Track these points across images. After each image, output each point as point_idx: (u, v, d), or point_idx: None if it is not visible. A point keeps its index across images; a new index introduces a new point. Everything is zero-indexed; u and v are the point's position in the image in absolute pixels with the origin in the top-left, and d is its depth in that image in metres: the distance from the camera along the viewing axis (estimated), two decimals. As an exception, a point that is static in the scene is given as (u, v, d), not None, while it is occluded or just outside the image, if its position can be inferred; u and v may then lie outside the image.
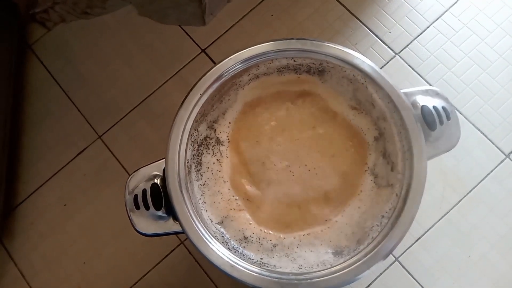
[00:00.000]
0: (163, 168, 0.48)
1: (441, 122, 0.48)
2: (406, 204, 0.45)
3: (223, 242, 0.47)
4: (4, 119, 0.75)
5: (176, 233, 0.49)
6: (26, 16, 0.81)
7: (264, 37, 0.80)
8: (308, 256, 0.48)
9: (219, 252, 0.45)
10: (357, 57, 0.50)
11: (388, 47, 0.78)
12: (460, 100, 0.75)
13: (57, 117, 0.79)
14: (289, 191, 0.51)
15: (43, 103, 0.80)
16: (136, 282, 0.71)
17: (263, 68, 0.52)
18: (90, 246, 0.73)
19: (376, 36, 0.79)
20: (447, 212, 0.70)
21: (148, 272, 0.71)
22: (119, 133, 0.78)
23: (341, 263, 0.45)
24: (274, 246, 0.49)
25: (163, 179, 0.48)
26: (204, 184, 0.51)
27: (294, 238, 0.49)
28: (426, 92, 0.50)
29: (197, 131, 0.51)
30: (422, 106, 0.49)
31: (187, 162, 0.49)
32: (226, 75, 0.50)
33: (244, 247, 0.48)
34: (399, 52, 0.78)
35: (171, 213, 0.48)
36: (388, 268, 0.69)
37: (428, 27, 0.79)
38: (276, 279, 0.44)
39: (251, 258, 0.47)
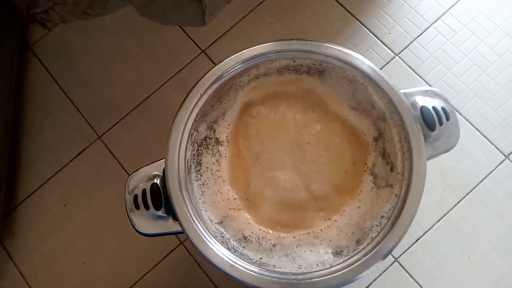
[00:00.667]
0: (163, 168, 0.49)
1: (441, 123, 0.48)
2: (405, 205, 0.46)
3: (222, 242, 0.47)
4: (5, 119, 0.75)
5: (175, 233, 0.49)
6: (26, 16, 0.81)
7: (264, 38, 0.80)
8: (308, 256, 0.48)
9: (219, 252, 0.45)
10: (356, 58, 0.50)
11: (388, 48, 0.78)
12: (460, 101, 0.75)
13: (57, 117, 0.80)
14: (289, 191, 0.51)
15: (44, 103, 0.81)
16: (136, 282, 0.71)
17: (263, 68, 0.52)
18: (90, 246, 0.73)
19: (376, 37, 0.79)
20: (447, 213, 0.70)
21: (148, 272, 0.71)
22: (119, 133, 0.78)
23: (341, 263, 0.45)
24: (274, 245, 0.49)
25: (163, 179, 0.48)
26: (203, 184, 0.51)
27: (294, 237, 0.49)
28: (425, 93, 0.50)
29: (197, 131, 0.51)
30: (422, 106, 0.49)
31: (187, 162, 0.49)
32: (226, 76, 0.51)
33: (243, 247, 0.48)
34: (399, 53, 0.78)
35: (171, 213, 0.48)
36: (387, 268, 0.69)
37: (427, 28, 0.79)
38: (276, 279, 0.44)
39: (251, 258, 0.47)
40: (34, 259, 0.73)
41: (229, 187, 0.51)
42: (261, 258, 0.48)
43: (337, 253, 0.47)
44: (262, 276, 0.44)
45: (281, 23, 0.81)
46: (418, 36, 0.79)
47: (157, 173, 0.50)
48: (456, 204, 0.71)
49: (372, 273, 0.69)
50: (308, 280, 0.44)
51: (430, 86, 0.76)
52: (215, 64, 0.51)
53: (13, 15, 0.81)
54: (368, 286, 0.68)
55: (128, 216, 0.49)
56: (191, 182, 0.49)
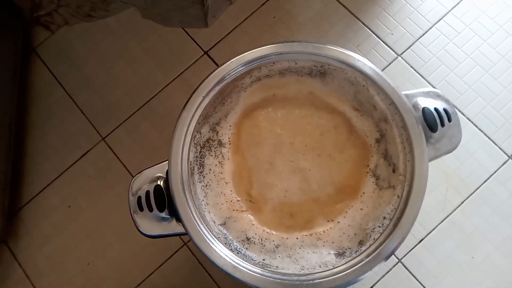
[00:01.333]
0: (166, 170, 0.49)
1: (443, 124, 0.48)
2: (407, 206, 0.46)
3: (225, 243, 0.47)
4: (9, 121, 0.75)
5: (179, 235, 0.49)
6: (30, 19, 0.81)
7: (266, 39, 0.81)
8: (311, 257, 0.48)
9: (222, 253, 0.45)
10: (358, 60, 0.50)
11: (390, 48, 0.78)
12: (463, 101, 0.75)
13: (61, 119, 0.80)
14: (291, 192, 0.52)
15: (47, 105, 0.81)
16: (140, 283, 0.71)
17: (265, 70, 0.52)
18: (94, 247, 0.74)
19: (378, 37, 0.79)
20: (450, 214, 0.70)
21: (152, 273, 0.72)
22: (123, 135, 0.78)
23: (343, 264, 0.45)
24: (277, 247, 0.49)
25: (166, 181, 0.48)
26: (206, 186, 0.51)
27: (297, 238, 0.50)
28: (427, 94, 0.50)
29: (200, 133, 0.51)
30: (424, 108, 0.49)
31: (190, 164, 0.49)
32: (228, 78, 0.51)
33: (246, 248, 0.49)
34: (401, 54, 0.78)
35: (174, 214, 0.48)
36: (391, 269, 0.69)
37: (430, 29, 0.79)
38: (279, 280, 0.44)
39: (254, 259, 0.48)
40: (39, 260, 0.74)
41: (232, 189, 0.52)
42: (264, 259, 0.48)
43: (340, 254, 0.47)
44: (265, 277, 0.44)
45: (283, 24, 0.81)
46: (421, 37, 0.78)
47: (161, 175, 0.50)
48: (460, 205, 0.71)
49: (376, 274, 0.69)
50: (311, 281, 0.44)
51: (433, 86, 0.76)
52: (218, 66, 0.51)
53: (17, 18, 0.81)
54: (371, 286, 0.68)
55: (132, 218, 0.49)
56: (194, 183, 0.50)
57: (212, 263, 0.45)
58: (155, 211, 0.48)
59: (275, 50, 0.51)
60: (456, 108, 0.74)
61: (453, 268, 0.68)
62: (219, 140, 0.53)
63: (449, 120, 0.49)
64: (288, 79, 0.54)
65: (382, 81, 0.49)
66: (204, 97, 0.50)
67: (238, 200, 0.51)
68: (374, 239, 0.46)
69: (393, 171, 0.49)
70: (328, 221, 0.50)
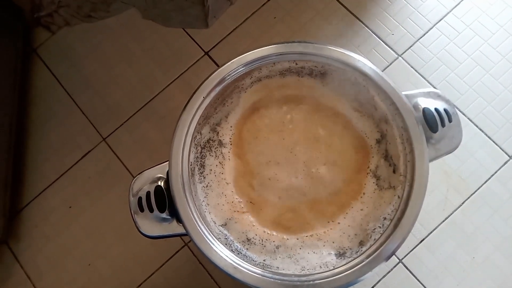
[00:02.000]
0: (166, 170, 0.49)
1: (443, 124, 0.48)
2: (408, 206, 0.46)
3: (226, 244, 0.47)
4: (9, 122, 0.75)
5: (179, 235, 0.49)
6: (30, 20, 0.81)
7: (267, 40, 0.81)
8: (311, 257, 0.48)
9: (222, 253, 0.45)
10: (358, 60, 0.50)
11: (391, 48, 0.78)
12: (463, 102, 0.75)
13: (61, 120, 0.80)
14: (292, 193, 0.52)
15: (48, 106, 0.81)
16: (141, 284, 0.71)
17: (265, 71, 0.52)
18: (95, 248, 0.74)
19: (379, 38, 0.79)
20: (451, 214, 0.70)
21: (153, 274, 0.72)
22: (123, 136, 0.78)
23: (344, 264, 0.45)
24: (277, 247, 0.49)
25: (167, 181, 0.49)
26: (207, 186, 0.51)
27: (297, 239, 0.50)
28: (427, 94, 0.50)
29: (200, 134, 0.51)
30: (424, 108, 0.49)
31: (191, 165, 0.49)
32: (228, 78, 0.51)
33: (247, 248, 0.49)
34: (402, 54, 0.78)
35: (175, 215, 0.48)
36: (392, 269, 0.69)
37: (430, 29, 0.79)
38: (279, 281, 0.44)
39: (254, 259, 0.48)
40: (40, 260, 0.74)
41: (233, 190, 0.52)
42: (264, 260, 0.48)
43: (340, 254, 0.47)
44: (265, 277, 0.44)
45: (284, 25, 0.81)
46: (421, 37, 0.78)
47: (161, 175, 0.50)
48: (460, 205, 0.70)
49: (376, 274, 0.69)
50: (311, 282, 0.44)
51: (434, 87, 0.76)
52: (218, 67, 0.51)
53: (18, 18, 0.81)
54: (372, 287, 0.68)
55: (132, 218, 0.49)
56: (194, 184, 0.50)
57: (212, 264, 0.45)
58: (156, 211, 0.48)
59: (275, 51, 0.51)
60: (457, 108, 0.74)
61: (454, 268, 0.68)
62: (220, 140, 0.53)
63: (450, 120, 0.49)
64: (288, 79, 0.54)
65: (383, 81, 0.49)
66: (204, 98, 0.50)
67: (239, 201, 0.51)
68: (374, 239, 0.46)
69: (394, 171, 0.49)
70: (328, 221, 0.50)
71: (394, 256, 0.64)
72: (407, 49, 0.78)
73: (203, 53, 0.81)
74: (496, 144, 0.72)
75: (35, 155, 0.79)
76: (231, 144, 0.53)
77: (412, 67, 0.77)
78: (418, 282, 0.68)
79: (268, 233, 0.50)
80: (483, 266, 0.68)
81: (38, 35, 0.85)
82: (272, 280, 0.44)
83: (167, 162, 0.49)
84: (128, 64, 0.82)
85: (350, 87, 0.52)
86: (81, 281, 0.72)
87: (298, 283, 0.44)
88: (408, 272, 0.68)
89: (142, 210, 0.49)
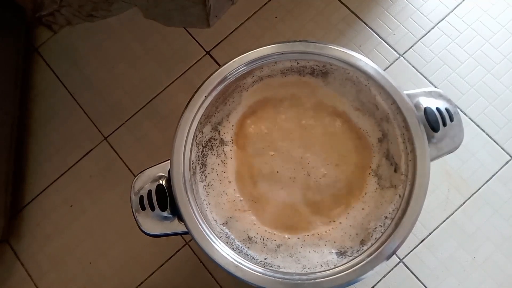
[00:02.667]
0: (168, 169, 0.49)
1: (444, 124, 0.48)
2: (409, 205, 0.46)
3: (227, 243, 0.47)
4: (11, 121, 0.76)
5: (181, 234, 0.49)
6: (32, 19, 0.82)
7: (268, 39, 0.81)
8: (312, 256, 0.48)
9: (224, 252, 0.45)
10: (360, 59, 0.50)
11: (392, 48, 0.78)
12: (465, 101, 0.75)
13: (63, 119, 0.80)
14: (294, 192, 0.52)
15: (50, 105, 0.81)
16: (142, 283, 0.72)
17: (267, 70, 0.52)
18: (96, 247, 0.74)
19: (380, 37, 0.79)
20: (452, 214, 0.70)
21: (154, 272, 0.72)
22: (125, 135, 0.78)
23: (345, 263, 0.45)
24: (278, 246, 0.49)
25: (168, 180, 0.49)
26: (208, 185, 0.51)
27: (298, 238, 0.50)
28: (429, 94, 0.50)
29: (202, 132, 0.51)
30: (425, 107, 0.49)
31: (192, 164, 0.49)
32: (230, 78, 0.51)
33: (248, 247, 0.49)
34: (403, 54, 0.78)
35: (176, 213, 0.48)
36: (392, 269, 0.69)
37: (432, 29, 0.79)
38: (280, 279, 0.44)
39: (255, 258, 0.48)
40: (41, 259, 0.74)
41: (235, 188, 0.52)
42: (265, 259, 0.48)
43: (341, 253, 0.48)
44: (266, 276, 0.45)
45: (285, 24, 0.81)
46: (423, 37, 0.78)
47: (163, 174, 0.50)
48: (461, 205, 0.70)
49: (377, 273, 0.69)
50: (312, 281, 0.44)
51: (435, 86, 0.76)
52: (220, 66, 0.51)
53: (19, 18, 0.81)
54: (373, 286, 0.68)
55: (134, 217, 0.49)
56: (196, 183, 0.50)
57: (213, 262, 0.45)
58: (157, 210, 0.48)
59: (277, 50, 0.51)
60: (458, 108, 0.74)
61: (455, 268, 0.68)
62: (221, 139, 0.53)
63: (451, 119, 0.49)
64: (290, 78, 0.54)
65: (384, 80, 0.49)
66: (206, 97, 0.50)
67: (240, 200, 0.51)
68: (375, 238, 0.46)
69: (395, 170, 0.49)
70: (330, 221, 0.50)
71: (395, 255, 0.65)
72: (408, 49, 0.78)
73: (205, 53, 0.81)
74: (498, 144, 0.72)
75: (36, 153, 0.79)
76: (232, 143, 0.53)
77: (413, 66, 0.77)
78: (418, 281, 0.68)
79: (269, 232, 0.50)
80: (484, 266, 0.68)
81: (40, 34, 0.85)
82: (273, 278, 0.44)
83: (169, 160, 0.49)
84: (129, 63, 0.82)
85: (352, 86, 0.52)
86: (82, 280, 0.73)
87: (299, 281, 0.44)
88: (409, 271, 0.68)
89: (143, 208, 0.49)
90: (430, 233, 0.70)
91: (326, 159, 0.52)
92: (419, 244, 0.69)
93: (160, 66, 0.81)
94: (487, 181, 0.71)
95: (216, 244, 0.46)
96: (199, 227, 0.46)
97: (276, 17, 0.82)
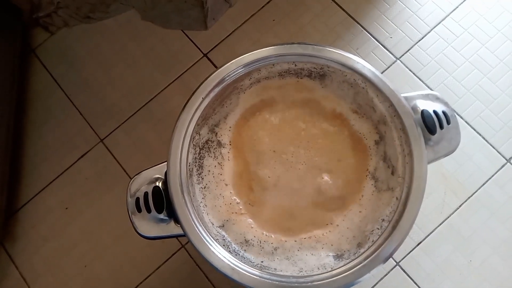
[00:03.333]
0: (164, 171, 0.49)
1: (441, 126, 0.49)
2: (406, 208, 0.46)
3: (224, 245, 0.47)
4: (7, 122, 0.75)
5: (177, 236, 0.49)
6: (29, 20, 0.81)
7: (265, 42, 0.81)
8: (309, 259, 0.48)
9: (220, 255, 0.45)
10: (357, 62, 0.50)
11: (389, 52, 0.78)
12: (461, 105, 0.75)
13: (59, 121, 0.80)
14: (291, 195, 0.51)
15: (46, 106, 0.81)
16: (137, 286, 0.71)
17: (264, 72, 0.52)
18: (91, 249, 0.73)
19: (377, 41, 0.79)
20: (448, 217, 0.70)
21: (149, 275, 0.71)
22: (121, 137, 0.78)
23: (342, 266, 0.45)
24: (275, 249, 0.49)
25: (165, 182, 0.48)
26: (205, 187, 0.51)
27: (295, 241, 0.49)
28: (426, 97, 0.51)
29: (199, 134, 0.51)
30: (422, 110, 0.49)
31: (189, 165, 0.49)
32: (227, 79, 0.51)
33: (245, 250, 0.48)
34: (400, 57, 0.78)
35: (173, 216, 0.48)
36: (389, 272, 0.69)
37: (429, 32, 0.79)
38: (277, 282, 0.44)
39: (252, 261, 0.47)
40: (36, 262, 0.73)
41: (231, 191, 0.51)
42: (262, 261, 0.48)
43: (338, 256, 0.47)
44: (263, 279, 0.44)
45: (283, 27, 0.82)
46: (419, 40, 0.79)
47: (159, 176, 0.50)
48: (458, 208, 0.71)
49: (374, 276, 0.69)
50: (309, 283, 0.44)
51: (431, 90, 0.76)
52: (217, 68, 0.51)
53: (16, 19, 0.81)
54: (369, 290, 0.68)
55: (130, 219, 0.49)
56: (192, 185, 0.49)
57: (210, 265, 0.45)
58: (153, 212, 0.48)
59: (274, 52, 0.51)
60: (455, 111, 0.74)
61: (451, 271, 0.68)
62: (219, 141, 0.53)
63: (448, 122, 0.49)
64: (287, 81, 0.54)
65: (381, 83, 0.49)
66: (203, 99, 0.50)
67: (237, 203, 0.51)
68: (372, 241, 0.46)
69: (392, 173, 0.49)
70: (327, 224, 0.50)
71: (391, 259, 0.65)
72: (405, 52, 0.78)
73: (202, 55, 0.81)
74: (494, 148, 0.73)
75: (32, 155, 0.78)
76: (230, 145, 0.53)
77: (410, 70, 0.77)
78: (415, 285, 0.68)
79: (266, 235, 0.50)
80: (480, 269, 0.68)
81: (37, 35, 0.85)
82: (270, 281, 0.44)
83: (165, 162, 0.49)
84: (126, 65, 0.82)
85: (349, 89, 0.52)
86: (78, 283, 0.72)
87: (296, 284, 0.44)
88: (405, 275, 0.68)
89: (139, 210, 0.48)
90: (426, 236, 0.70)
91: (324, 162, 0.52)
92: (415, 247, 0.69)
93: (157, 68, 0.81)
94: (484, 184, 0.71)
95: (212, 246, 0.45)
96: (195, 229, 0.46)
97: (273, 20, 0.82)
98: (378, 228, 0.47)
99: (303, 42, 0.51)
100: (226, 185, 0.52)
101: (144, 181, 0.50)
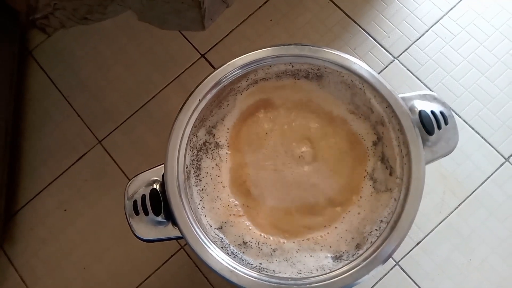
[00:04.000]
0: (162, 173, 0.49)
1: (439, 127, 0.48)
2: (404, 209, 0.46)
3: (222, 247, 0.47)
4: (5, 124, 0.75)
5: (175, 239, 0.49)
6: (26, 22, 0.81)
7: (263, 42, 0.81)
8: (308, 261, 0.48)
9: (218, 257, 0.45)
10: (354, 63, 0.50)
11: (387, 51, 0.78)
12: (459, 104, 0.75)
13: (57, 123, 0.80)
14: (289, 196, 0.51)
15: (44, 108, 0.81)
16: (137, 287, 0.71)
17: (261, 73, 0.52)
18: (90, 252, 0.73)
19: (375, 40, 0.79)
20: (447, 216, 0.70)
21: (148, 277, 0.71)
22: (119, 138, 0.78)
23: (340, 267, 0.45)
24: (274, 251, 0.49)
25: (163, 184, 0.48)
26: (203, 190, 0.51)
27: (294, 243, 0.49)
28: (424, 97, 0.50)
29: (196, 136, 0.51)
30: (420, 110, 0.49)
31: (186, 168, 0.49)
32: (224, 81, 0.51)
33: (243, 252, 0.48)
34: (398, 56, 0.78)
35: (171, 218, 0.48)
36: (388, 272, 0.69)
37: (426, 31, 0.79)
38: (275, 284, 0.44)
39: (250, 263, 0.47)
40: (35, 264, 0.73)
41: (229, 193, 0.51)
42: (260, 263, 0.47)
43: (337, 258, 0.47)
44: (261, 281, 0.44)
45: (280, 27, 0.81)
46: (417, 40, 0.79)
47: (157, 178, 0.50)
48: (457, 207, 0.71)
49: (373, 277, 0.69)
50: (308, 285, 0.44)
51: (430, 89, 0.76)
52: (214, 69, 0.51)
53: (13, 21, 0.81)
54: (369, 290, 0.68)
55: (127, 222, 0.49)
56: (190, 187, 0.49)
57: (208, 267, 0.45)
58: (151, 215, 0.48)
59: (271, 53, 0.51)
60: (453, 110, 0.74)
61: (451, 271, 0.68)
62: (216, 143, 0.53)
63: (446, 123, 0.49)
64: (284, 82, 0.53)
65: (379, 84, 0.49)
66: (200, 100, 0.50)
67: (235, 205, 0.51)
68: (371, 242, 0.46)
69: (390, 174, 0.49)
70: (325, 225, 0.50)
71: (390, 259, 0.65)
72: (403, 52, 0.78)
73: (199, 56, 0.81)
74: (492, 147, 0.73)
75: (30, 157, 0.78)
76: (228, 147, 0.53)
77: (408, 69, 0.77)
78: (415, 284, 0.68)
79: (264, 237, 0.50)
80: (480, 269, 0.68)
81: (34, 37, 0.85)
82: (269, 283, 0.44)
83: (163, 165, 0.49)
84: (124, 66, 0.82)
85: (346, 90, 0.52)
86: (77, 285, 0.72)
87: (295, 286, 0.44)
88: (405, 274, 0.68)
89: (137, 213, 0.48)
90: (425, 236, 0.70)
91: (321, 163, 0.52)
92: (415, 247, 0.69)
93: (155, 69, 0.81)
94: (482, 183, 0.71)
95: (210, 249, 0.45)
96: (193, 232, 0.46)
97: (271, 20, 0.82)
98: (376, 229, 0.47)
99: (299, 43, 0.51)
100: (224, 187, 0.52)
101: (142, 183, 0.50)
